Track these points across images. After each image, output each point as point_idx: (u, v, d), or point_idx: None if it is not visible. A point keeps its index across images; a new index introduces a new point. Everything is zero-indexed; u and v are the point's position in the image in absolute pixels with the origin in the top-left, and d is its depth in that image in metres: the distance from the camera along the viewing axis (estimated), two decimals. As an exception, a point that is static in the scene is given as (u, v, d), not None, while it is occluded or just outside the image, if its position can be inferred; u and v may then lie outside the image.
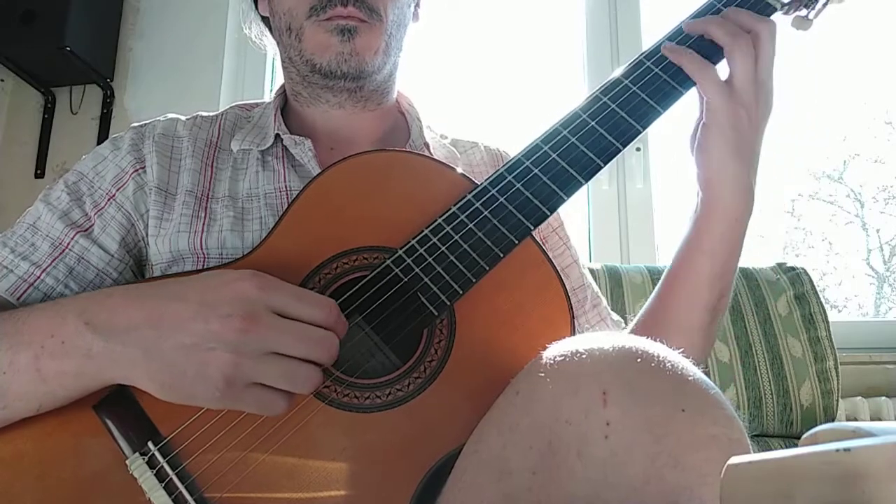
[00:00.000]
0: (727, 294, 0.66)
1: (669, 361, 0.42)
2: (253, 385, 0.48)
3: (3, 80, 1.86)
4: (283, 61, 0.76)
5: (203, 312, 0.48)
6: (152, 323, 0.49)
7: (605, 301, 0.80)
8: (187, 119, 0.75)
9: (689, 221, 0.67)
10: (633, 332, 0.71)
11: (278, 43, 0.75)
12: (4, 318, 0.55)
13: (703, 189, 0.65)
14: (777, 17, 0.67)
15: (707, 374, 0.44)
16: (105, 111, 1.81)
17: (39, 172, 1.80)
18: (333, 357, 0.50)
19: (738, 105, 0.61)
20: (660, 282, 0.69)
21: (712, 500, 0.37)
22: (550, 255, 0.67)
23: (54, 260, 0.63)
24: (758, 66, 0.61)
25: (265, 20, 0.80)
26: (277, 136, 0.72)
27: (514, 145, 0.76)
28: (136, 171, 0.68)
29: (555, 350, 0.46)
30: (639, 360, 0.42)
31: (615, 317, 0.80)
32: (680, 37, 0.65)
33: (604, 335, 0.45)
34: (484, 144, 0.83)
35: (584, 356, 0.43)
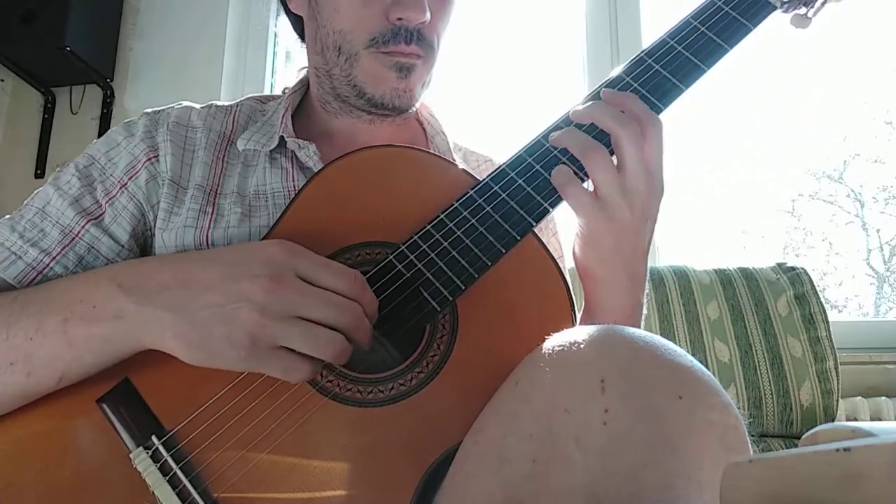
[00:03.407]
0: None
1: (666, 350, 0.43)
2: (278, 348, 0.48)
3: (3, 80, 1.86)
4: (316, 70, 0.74)
5: (233, 273, 0.49)
6: (183, 283, 0.50)
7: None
8: (202, 108, 0.74)
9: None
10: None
11: (314, 52, 0.73)
12: (33, 289, 0.56)
13: (584, 288, 0.62)
14: (777, 14, 0.67)
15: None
16: (105, 111, 1.81)
17: (39, 172, 1.80)
18: (357, 323, 0.50)
19: (610, 219, 0.56)
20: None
21: (709, 486, 0.38)
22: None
23: (64, 248, 0.63)
24: (647, 154, 0.56)
25: (294, 16, 0.77)
26: (282, 138, 0.71)
27: (514, 146, 0.76)
28: (150, 159, 0.68)
29: (554, 341, 0.46)
30: (636, 348, 0.43)
31: None
32: (689, 28, 0.64)
33: (602, 326, 0.46)
34: (499, 161, 0.82)
35: (582, 346, 0.44)
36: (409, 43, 0.66)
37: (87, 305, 0.51)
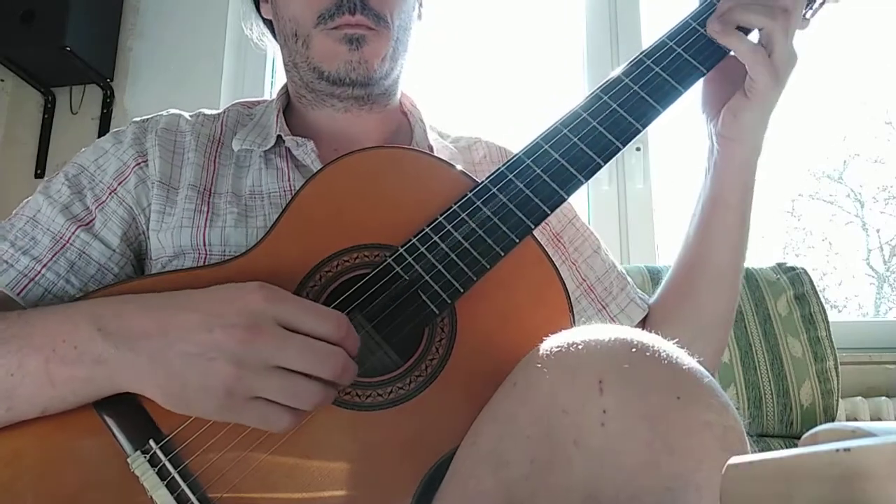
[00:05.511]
0: (746, 241, 0.70)
1: (664, 351, 0.43)
2: (255, 399, 0.47)
3: (3, 80, 1.86)
4: (286, 65, 0.76)
5: (208, 322, 0.48)
6: (161, 331, 0.49)
7: (630, 280, 0.79)
8: (190, 115, 0.75)
9: (706, 177, 0.70)
10: (665, 292, 0.75)
11: (282, 47, 0.75)
12: (13, 320, 0.54)
13: (721, 146, 0.68)
14: None
15: (713, 373, 0.44)
16: (105, 111, 1.81)
17: (39, 172, 1.80)
18: (340, 373, 0.48)
19: (781, 84, 0.63)
20: (684, 241, 0.72)
21: (707, 486, 0.38)
22: (571, 247, 0.64)
23: (55, 254, 0.63)
24: (790, 40, 0.63)
25: (267, 22, 0.80)
26: (279, 136, 0.72)
27: (514, 145, 0.76)
28: (138, 164, 0.68)
29: (551, 342, 0.46)
30: (634, 349, 0.43)
31: (641, 294, 0.78)
32: (688, 30, 0.65)
33: (600, 326, 0.46)
34: (486, 140, 0.82)
35: (580, 347, 0.44)
36: (353, 13, 0.67)
37: (69, 346, 0.51)
